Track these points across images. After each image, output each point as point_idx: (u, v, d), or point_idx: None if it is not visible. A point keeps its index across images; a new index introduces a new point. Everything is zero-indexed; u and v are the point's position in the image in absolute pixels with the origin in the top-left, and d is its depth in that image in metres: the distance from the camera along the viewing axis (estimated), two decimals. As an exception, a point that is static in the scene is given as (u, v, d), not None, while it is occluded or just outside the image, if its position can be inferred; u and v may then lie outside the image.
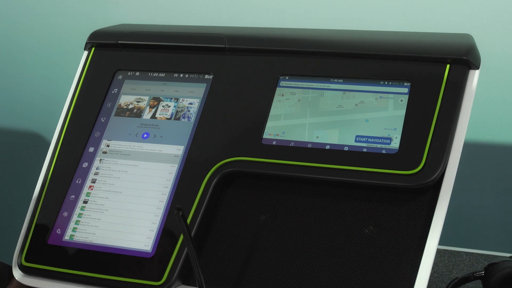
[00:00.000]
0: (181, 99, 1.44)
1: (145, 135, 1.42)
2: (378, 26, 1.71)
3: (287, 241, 1.28)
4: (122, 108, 1.46)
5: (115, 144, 1.42)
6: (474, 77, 1.29)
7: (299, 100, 1.36)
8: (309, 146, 1.31)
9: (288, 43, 1.42)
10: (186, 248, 1.27)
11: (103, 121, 1.45)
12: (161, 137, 1.41)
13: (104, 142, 1.43)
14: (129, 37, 1.52)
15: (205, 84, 1.43)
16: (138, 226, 1.33)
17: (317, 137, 1.32)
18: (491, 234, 2.00)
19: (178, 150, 1.38)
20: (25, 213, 1.41)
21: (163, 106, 1.43)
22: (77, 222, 1.36)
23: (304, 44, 1.41)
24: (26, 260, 1.35)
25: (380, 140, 1.28)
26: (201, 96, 1.42)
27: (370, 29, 1.56)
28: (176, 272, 1.26)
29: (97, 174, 1.39)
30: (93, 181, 1.39)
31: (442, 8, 1.89)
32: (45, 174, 1.43)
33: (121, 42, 1.51)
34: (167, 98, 1.44)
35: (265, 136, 1.34)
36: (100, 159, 1.41)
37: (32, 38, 2.30)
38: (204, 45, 1.46)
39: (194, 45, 1.47)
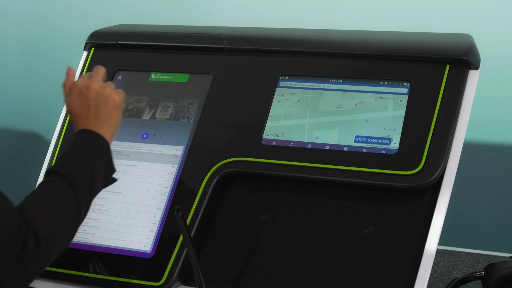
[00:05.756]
0: (180, 99, 1.44)
1: (144, 136, 1.42)
2: (378, 26, 1.71)
3: (286, 241, 1.28)
4: (122, 108, 1.46)
5: (115, 145, 1.41)
6: (474, 77, 1.29)
7: (298, 101, 1.36)
8: (309, 146, 1.31)
9: (287, 43, 1.42)
10: (185, 249, 1.27)
11: (103, 121, 1.45)
12: (161, 137, 1.40)
13: (104, 142, 1.43)
14: (128, 37, 1.52)
15: (204, 84, 1.43)
16: (137, 226, 1.33)
17: (317, 137, 1.31)
18: (491, 234, 2.00)
19: (177, 151, 1.38)
20: (25, 214, 1.41)
21: (162, 107, 1.43)
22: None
23: (304, 44, 1.41)
24: (26, 260, 1.35)
25: (379, 141, 1.28)
26: (201, 96, 1.42)
27: (370, 29, 1.56)
28: (176, 272, 1.26)
29: (97, 174, 1.39)
30: (93, 182, 1.39)
31: (442, 8, 1.89)
32: (45, 174, 1.43)
33: (121, 42, 1.51)
34: (166, 98, 1.44)
35: (264, 136, 1.34)
36: (100, 160, 1.41)
37: (32, 38, 2.30)
38: (203, 45, 1.46)
39: (193, 45, 1.47)
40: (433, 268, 1.38)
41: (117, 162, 1.39)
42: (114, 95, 1.22)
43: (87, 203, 1.14)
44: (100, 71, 1.25)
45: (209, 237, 1.31)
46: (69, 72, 1.27)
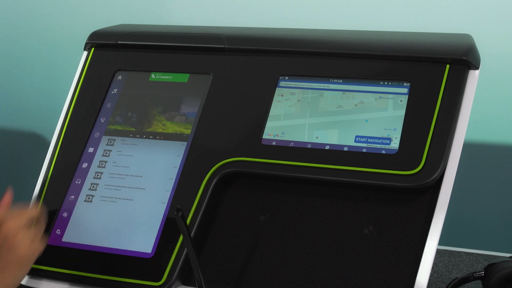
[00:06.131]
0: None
1: (144, 136, 1.42)
2: (378, 26, 1.71)
3: (286, 241, 1.28)
4: (122, 108, 1.46)
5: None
6: (474, 77, 1.29)
7: (298, 101, 1.36)
8: (309, 146, 1.31)
9: (287, 43, 1.42)
10: (185, 249, 1.27)
11: (103, 121, 1.45)
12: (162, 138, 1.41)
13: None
14: (128, 38, 1.52)
15: (204, 84, 1.43)
16: (138, 226, 1.33)
17: (317, 137, 1.31)
18: (491, 234, 2.00)
19: (178, 151, 1.38)
20: (25, 214, 1.41)
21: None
22: (77, 223, 1.36)
23: (304, 44, 1.41)
24: (26, 260, 1.35)
25: (379, 141, 1.28)
26: (201, 96, 1.42)
27: (370, 29, 1.56)
28: (176, 272, 1.26)
29: (98, 174, 1.39)
30: (93, 182, 1.39)
31: (442, 8, 1.89)
32: (45, 174, 1.43)
33: (121, 42, 1.51)
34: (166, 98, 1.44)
35: (264, 136, 1.34)
36: (100, 160, 1.41)
37: (32, 38, 2.31)
38: (203, 45, 1.46)
39: (193, 45, 1.47)
40: (433, 268, 1.38)
41: (118, 163, 1.40)
42: (22, 247, 1.00)
43: None
44: (30, 213, 1.06)
45: (209, 237, 1.31)
46: (4, 199, 1.06)
